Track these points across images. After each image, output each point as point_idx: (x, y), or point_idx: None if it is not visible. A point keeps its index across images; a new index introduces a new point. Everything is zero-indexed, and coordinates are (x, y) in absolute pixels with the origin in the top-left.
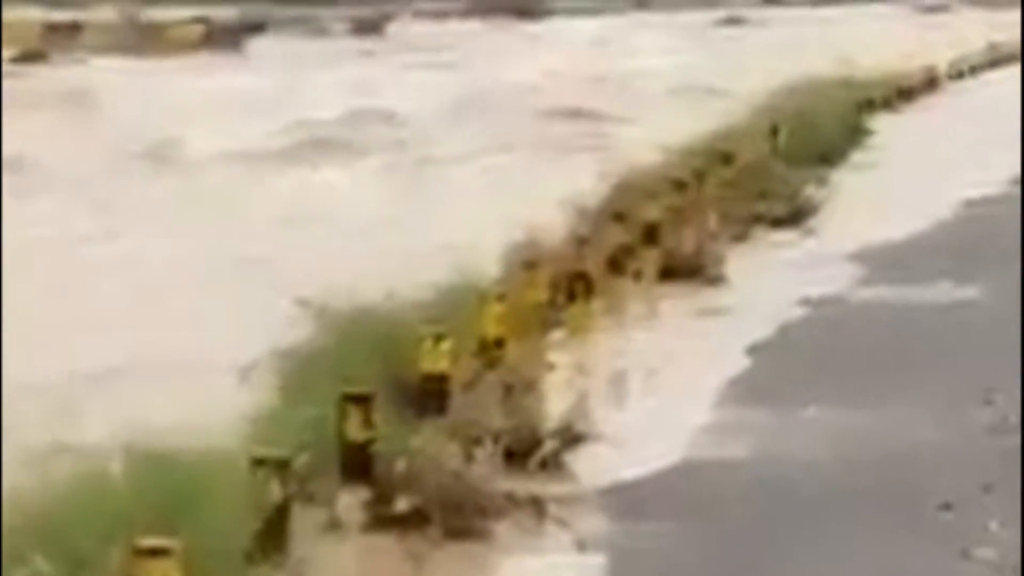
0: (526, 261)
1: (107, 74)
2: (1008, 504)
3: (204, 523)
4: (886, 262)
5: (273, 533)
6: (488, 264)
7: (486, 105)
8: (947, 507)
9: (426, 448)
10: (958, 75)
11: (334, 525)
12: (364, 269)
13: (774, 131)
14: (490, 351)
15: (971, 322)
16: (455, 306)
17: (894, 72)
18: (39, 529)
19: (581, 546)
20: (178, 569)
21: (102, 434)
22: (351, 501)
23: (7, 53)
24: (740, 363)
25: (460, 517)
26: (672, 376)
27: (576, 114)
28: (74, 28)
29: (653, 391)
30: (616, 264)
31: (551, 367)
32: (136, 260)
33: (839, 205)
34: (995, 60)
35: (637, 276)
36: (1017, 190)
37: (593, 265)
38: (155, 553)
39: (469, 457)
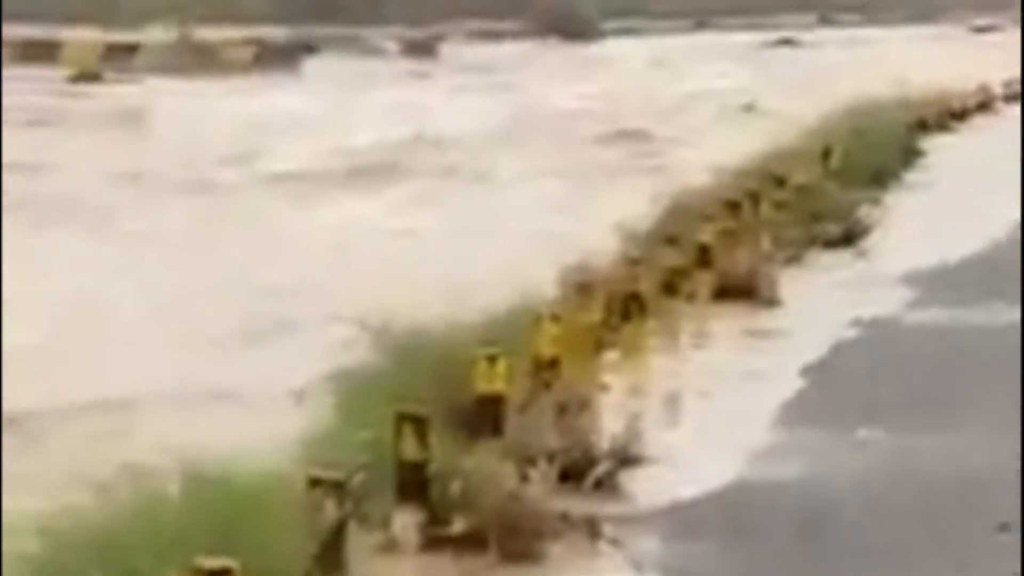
0: (580, 283)
1: (160, 94)
2: None
3: (261, 543)
4: (939, 283)
5: (329, 553)
6: (542, 285)
7: (539, 127)
8: (1004, 528)
9: (481, 469)
10: (1012, 95)
11: (390, 546)
12: (418, 291)
13: (827, 152)
14: (544, 372)
15: None
16: (509, 327)
17: (948, 92)
18: (98, 548)
19: (636, 567)
20: None
21: (160, 455)
22: (407, 521)
23: (65, 72)
24: (793, 384)
25: (515, 538)
26: (725, 397)
27: (629, 136)
28: (129, 49)
29: (706, 412)
30: (669, 286)
31: (605, 388)
32: (186, 282)
33: (892, 226)
34: None
35: (691, 298)
36: None
37: (647, 286)
38: (213, 573)
39: (524, 478)
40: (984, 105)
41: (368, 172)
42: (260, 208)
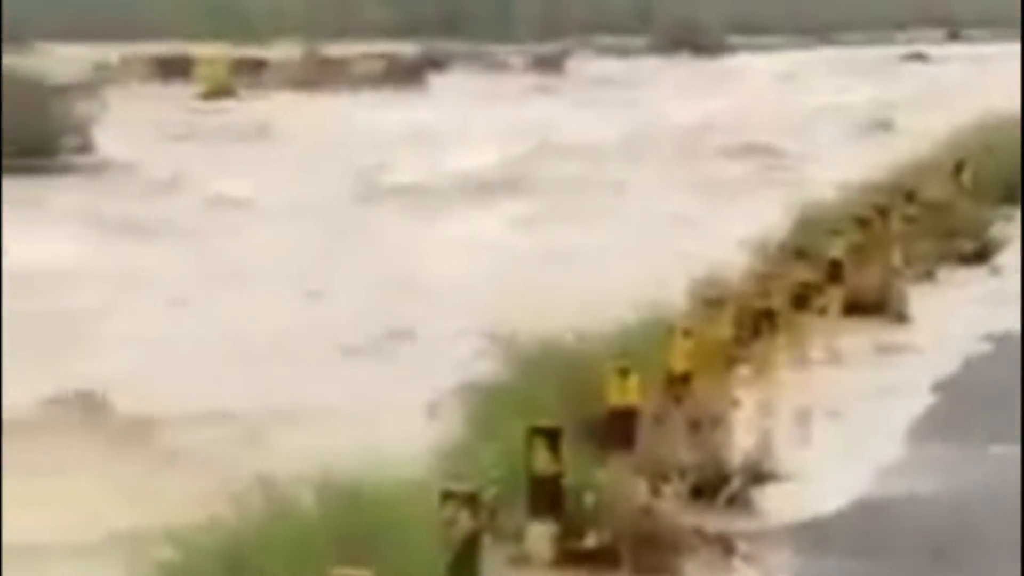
0: (710, 297)
1: (290, 110)
2: None
3: (395, 555)
4: None
5: (463, 566)
6: (672, 299)
7: (666, 141)
8: None
9: (614, 483)
10: None
11: (523, 559)
12: (549, 304)
13: (959, 168)
14: (677, 386)
15: None
16: (639, 341)
17: None
18: (232, 558)
19: None
20: None
21: (294, 467)
22: (540, 534)
23: (198, 90)
24: (925, 400)
25: (650, 553)
26: (856, 413)
27: (758, 151)
28: (259, 64)
29: (838, 428)
30: (800, 301)
31: (736, 403)
32: (316, 295)
33: None
34: None
35: (821, 313)
36: None
37: (777, 302)
38: None
39: (656, 492)
40: None
41: (493, 186)
42: (388, 221)
